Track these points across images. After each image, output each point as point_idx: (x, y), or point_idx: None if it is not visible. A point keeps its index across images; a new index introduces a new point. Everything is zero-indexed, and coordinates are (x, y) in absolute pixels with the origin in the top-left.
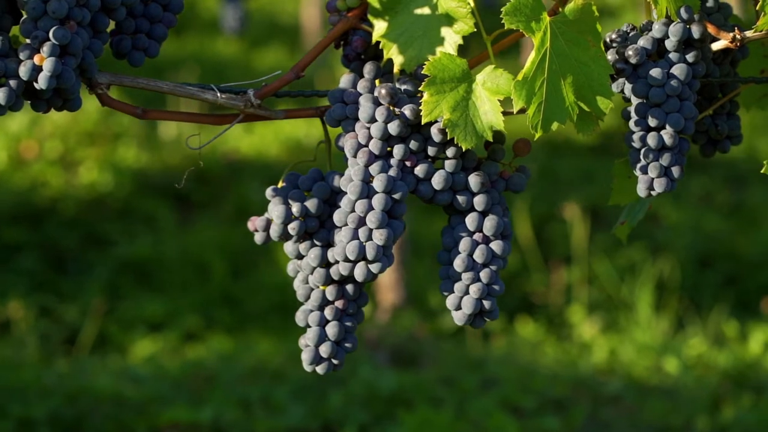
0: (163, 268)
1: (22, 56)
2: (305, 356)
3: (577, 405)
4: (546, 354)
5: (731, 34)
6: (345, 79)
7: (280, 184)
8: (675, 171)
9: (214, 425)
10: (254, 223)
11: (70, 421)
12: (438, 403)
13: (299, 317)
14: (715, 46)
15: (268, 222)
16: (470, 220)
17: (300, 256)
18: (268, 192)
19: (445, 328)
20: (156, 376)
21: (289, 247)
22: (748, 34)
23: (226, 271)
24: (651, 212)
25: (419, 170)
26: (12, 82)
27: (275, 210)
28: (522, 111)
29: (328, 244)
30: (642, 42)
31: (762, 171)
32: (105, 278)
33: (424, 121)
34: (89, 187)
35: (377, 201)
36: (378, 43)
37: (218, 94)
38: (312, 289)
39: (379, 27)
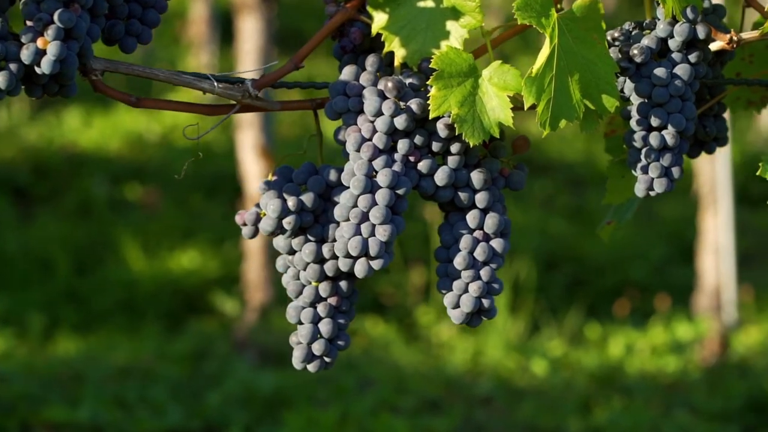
0: (4, 264)
1: (24, 39)
2: (297, 354)
3: (452, 406)
4: (405, 354)
5: (728, 36)
6: (347, 72)
7: (271, 177)
8: (675, 171)
9: (92, 425)
10: (243, 216)
11: None
12: (319, 404)
13: (291, 314)
14: (712, 47)
15: (258, 216)
16: (471, 218)
17: (292, 252)
18: (261, 185)
19: None
20: (20, 374)
21: (280, 242)
22: (745, 36)
23: (70, 267)
24: None
25: (422, 166)
26: (12, 66)
27: (270, 204)
28: (532, 107)
29: (322, 239)
30: (646, 41)
31: (758, 173)
32: None
33: (432, 115)
34: None
35: (381, 196)
36: (377, 35)
37: (215, 84)
38: (303, 286)
39: (380, 19)
